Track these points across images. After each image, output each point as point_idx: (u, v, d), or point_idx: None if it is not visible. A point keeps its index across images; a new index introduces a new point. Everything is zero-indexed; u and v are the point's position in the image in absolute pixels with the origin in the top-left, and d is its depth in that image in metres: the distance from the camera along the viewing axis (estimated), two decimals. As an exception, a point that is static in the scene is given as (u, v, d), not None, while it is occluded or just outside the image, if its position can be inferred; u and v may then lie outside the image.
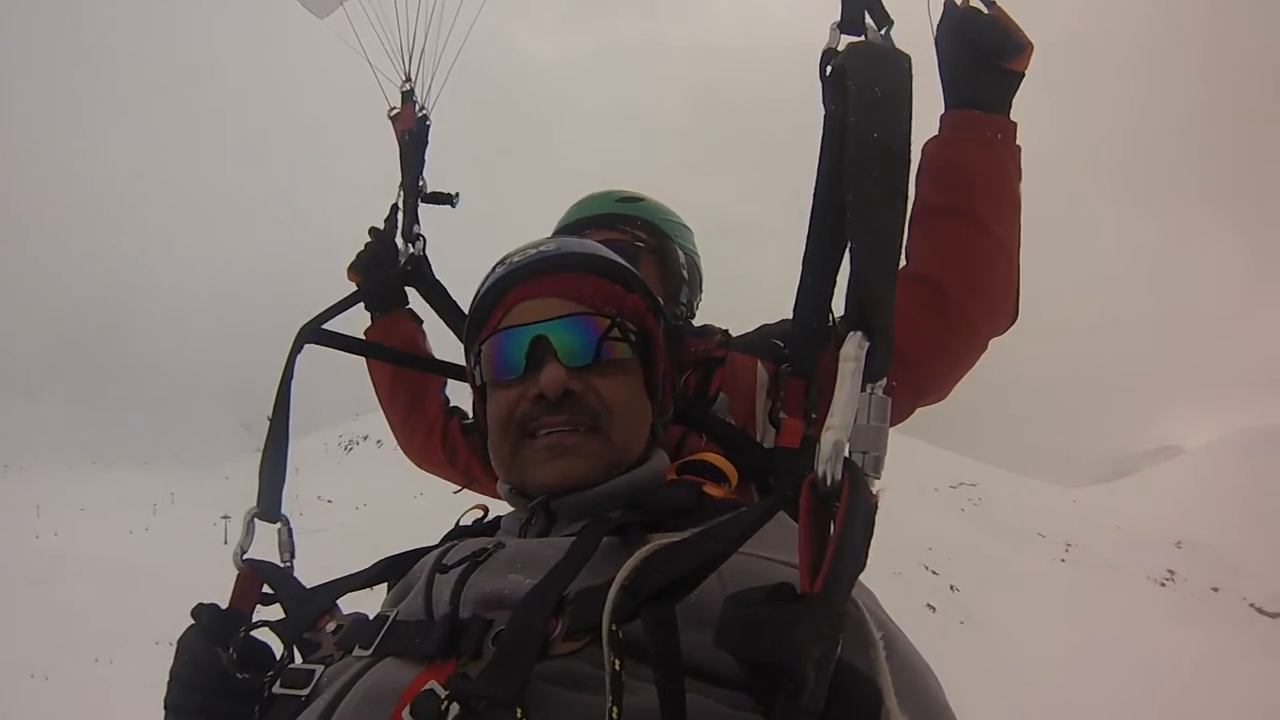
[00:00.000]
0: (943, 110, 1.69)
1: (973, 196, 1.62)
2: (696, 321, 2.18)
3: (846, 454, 0.72)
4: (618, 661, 0.75)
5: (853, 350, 0.76)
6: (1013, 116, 1.68)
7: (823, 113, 1.17)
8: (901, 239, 0.86)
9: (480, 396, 1.37)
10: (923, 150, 1.71)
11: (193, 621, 1.33)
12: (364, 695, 0.93)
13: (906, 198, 0.87)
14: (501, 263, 1.36)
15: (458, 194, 2.27)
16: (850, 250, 0.82)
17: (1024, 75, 1.63)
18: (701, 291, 2.22)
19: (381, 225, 2.24)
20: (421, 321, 2.27)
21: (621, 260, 1.39)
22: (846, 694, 0.64)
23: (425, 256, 2.21)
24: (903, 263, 1.70)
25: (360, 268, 2.18)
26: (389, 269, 2.18)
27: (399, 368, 2.19)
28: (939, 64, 1.68)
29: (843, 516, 0.67)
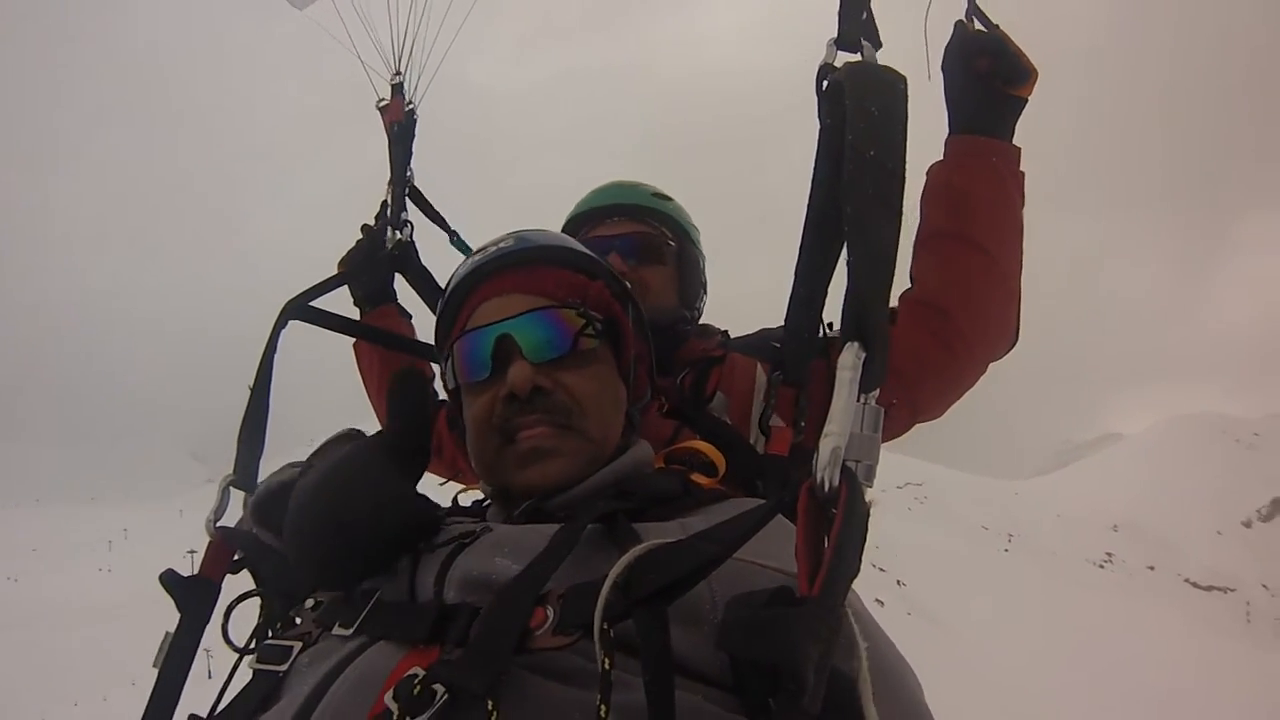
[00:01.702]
0: (947, 134, 1.71)
1: (977, 223, 1.63)
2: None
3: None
4: (608, 660, 0.75)
5: (850, 360, 0.77)
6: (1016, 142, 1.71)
7: (817, 126, 1.20)
8: (896, 253, 0.87)
9: (455, 399, 1.37)
10: (928, 174, 1.72)
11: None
12: (355, 679, 0.92)
13: (901, 214, 0.89)
14: (464, 264, 1.37)
15: (456, 233, 2.29)
16: (848, 263, 0.84)
17: (1028, 101, 1.67)
18: (706, 295, 2.22)
19: (372, 223, 2.25)
20: (410, 316, 2.25)
21: (583, 248, 1.38)
22: (833, 695, 0.65)
23: (413, 243, 2.22)
24: (907, 284, 1.76)
25: (350, 262, 2.17)
26: (378, 264, 2.18)
27: (387, 362, 2.18)
28: (945, 87, 1.70)
29: (840, 522, 0.68)
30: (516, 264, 1.30)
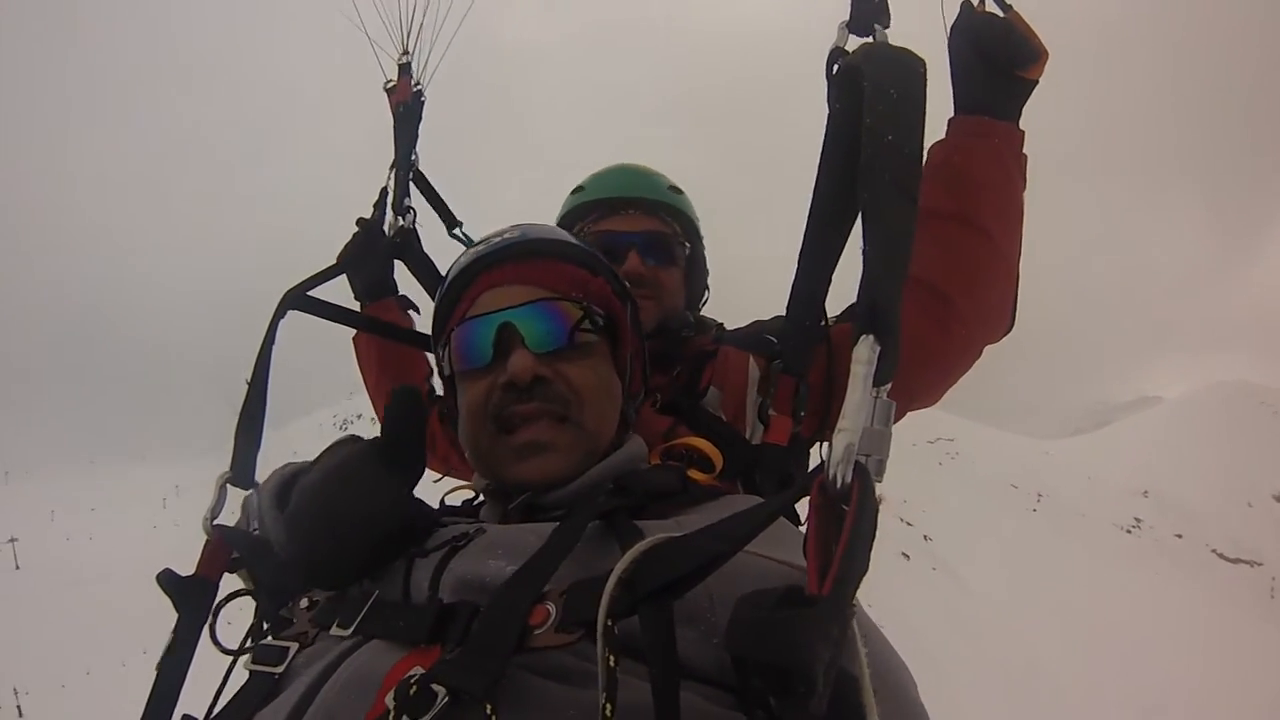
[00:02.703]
0: (951, 114, 1.68)
1: (978, 204, 1.61)
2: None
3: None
4: (613, 658, 0.74)
5: (865, 353, 0.75)
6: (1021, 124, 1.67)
7: (827, 110, 1.17)
8: (912, 242, 0.85)
9: (450, 387, 1.37)
10: (929, 153, 1.67)
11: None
12: (348, 679, 0.91)
13: (918, 201, 0.86)
14: (466, 253, 1.37)
15: (460, 225, 2.25)
16: (863, 252, 0.81)
17: (1037, 83, 1.63)
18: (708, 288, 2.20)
19: (369, 214, 2.19)
20: (412, 309, 2.21)
21: (585, 245, 1.38)
22: (836, 695, 0.65)
23: (415, 230, 2.18)
24: None
25: (347, 254, 2.11)
26: (376, 257, 2.14)
27: (384, 356, 2.18)
28: (951, 66, 1.67)
29: (852, 519, 0.67)
30: (519, 255, 1.30)
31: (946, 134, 1.68)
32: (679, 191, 2.03)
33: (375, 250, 2.15)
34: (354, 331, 2.21)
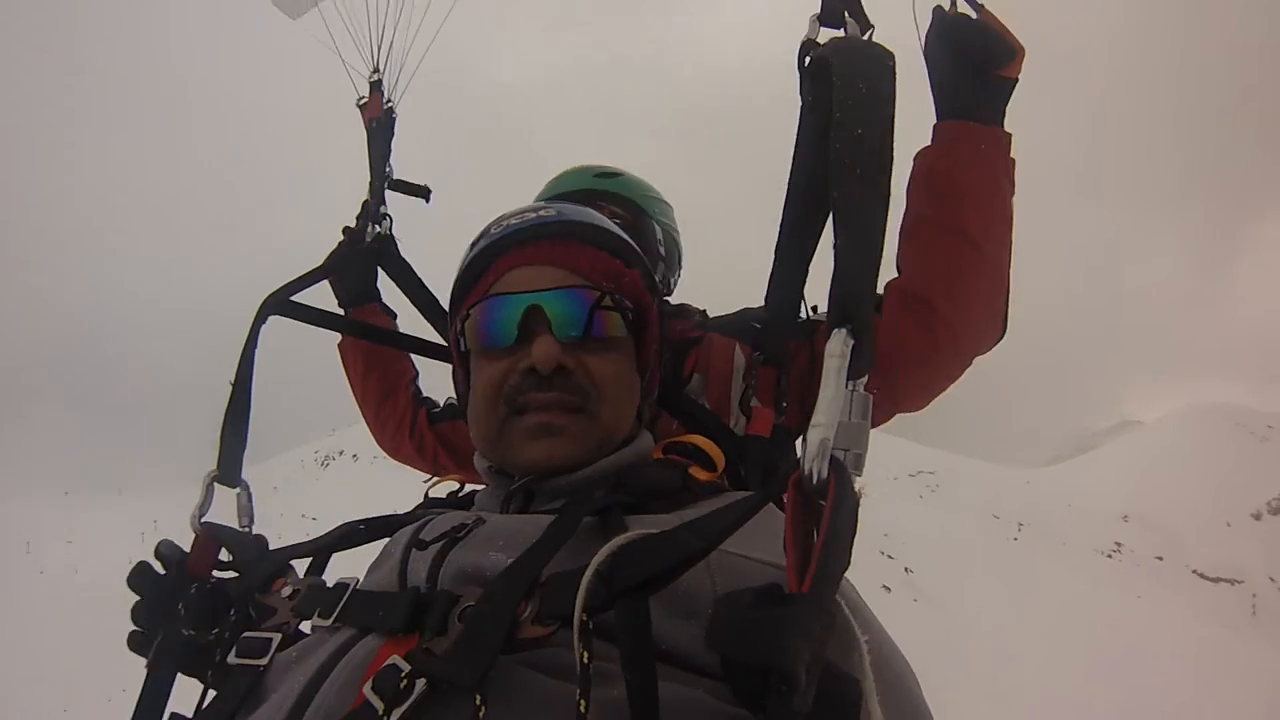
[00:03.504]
0: (935, 121, 1.65)
1: (964, 212, 1.57)
2: (674, 300, 2.15)
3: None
4: (586, 654, 0.73)
5: (838, 347, 0.75)
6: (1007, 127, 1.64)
7: (799, 103, 1.15)
8: (884, 236, 0.84)
9: (463, 364, 1.33)
10: (914, 160, 1.66)
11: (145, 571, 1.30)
12: (347, 676, 0.91)
13: (889, 195, 0.86)
14: (497, 224, 1.31)
15: (428, 190, 2.28)
16: (834, 246, 0.82)
17: (1016, 81, 1.59)
18: (680, 269, 2.15)
19: (353, 224, 2.23)
20: (395, 315, 2.24)
21: (623, 234, 1.34)
22: (830, 693, 0.65)
23: (392, 236, 2.20)
24: (893, 274, 1.70)
25: (331, 261, 2.12)
26: (360, 263, 2.17)
27: (371, 361, 2.19)
28: (929, 73, 1.64)
29: (829, 515, 0.67)
30: (554, 235, 1.26)
31: (932, 141, 1.66)
32: (612, 174, 2.09)
33: (359, 256, 2.18)
34: (336, 339, 2.28)
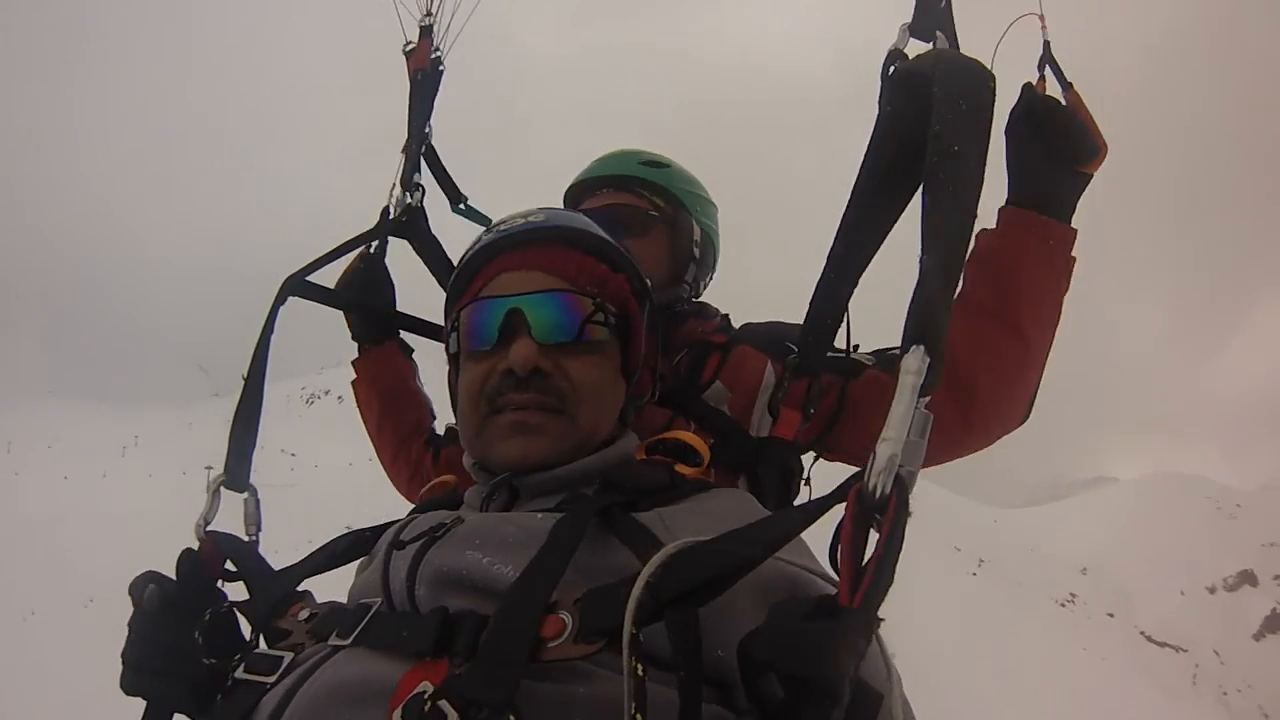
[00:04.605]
0: (1005, 202, 1.62)
1: (1020, 307, 1.57)
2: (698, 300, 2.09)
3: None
4: (640, 667, 0.72)
5: (914, 364, 0.74)
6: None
7: (877, 112, 1.13)
8: (965, 256, 0.84)
9: (454, 365, 1.33)
10: (977, 239, 1.62)
11: (160, 580, 1.23)
12: (334, 688, 0.89)
13: (975, 217, 0.85)
14: (489, 230, 1.33)
15: (466, 199, 2.16)
16: (920, 261, 0.80)
17: (1092, 177, 1.57)
18: (714, 272, 2.07)
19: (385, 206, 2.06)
20: (412, 352, 2.14)
21: (609, 239, 1.34)
22: (855, 705, 0.66)
23: (423, 209, 2.07)
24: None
25: (347, 287, 1.99)
26: (377, 292, 2.03)
27: (386, 407, 2.09)
28: (1007, 150, 1.60)
29: (888, 531, 0.67)
30: (541, 240, 1.27)
31: (999, 224, 1.62)
32: (659, 165, 1.97)
33: (377, 286, 2.04)
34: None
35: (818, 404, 1.59)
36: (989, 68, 0.99)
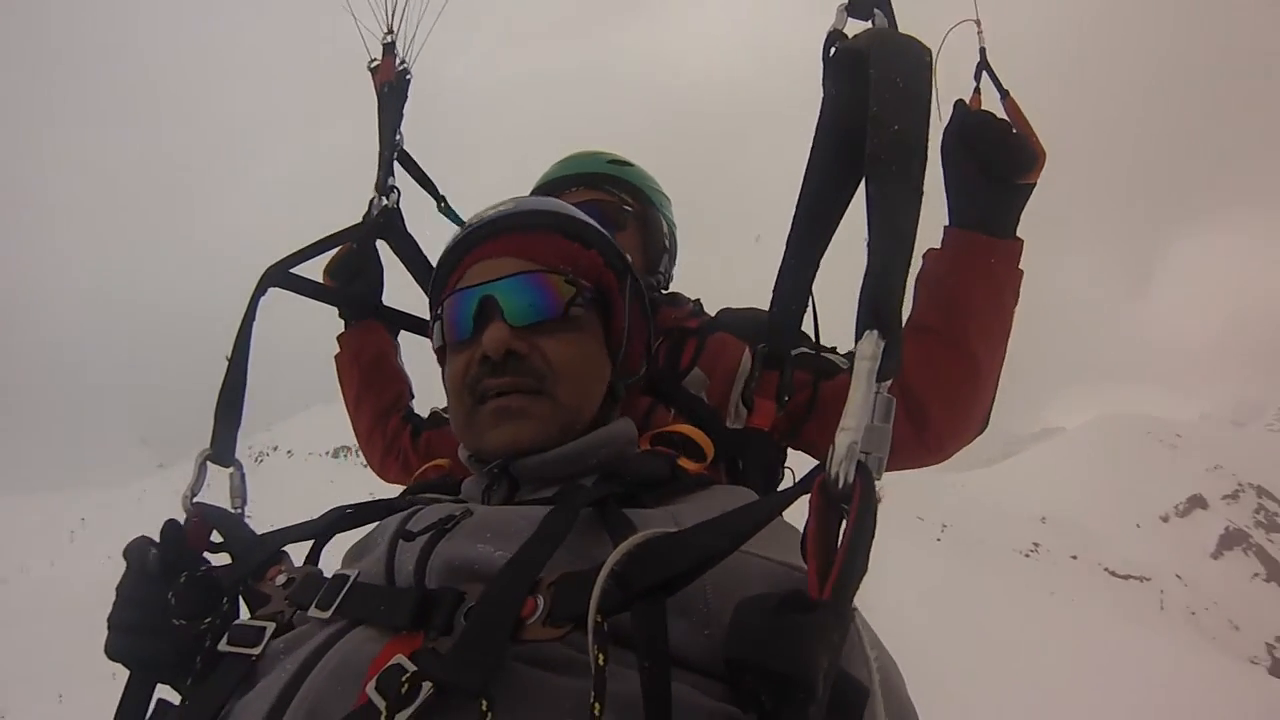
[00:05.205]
0: (946, 223, 1.61)
1: (967, 328, 1.58)
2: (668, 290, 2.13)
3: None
4: (602, 655, 0.71)
5: (869, 349, 0.73)
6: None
7: (822, 95, 1.13)
8: (915, 235, 0.81)
9: (442, 359, 1.35)
10: (923, 259, 1.64)
11: (149, 544, 1.23)
12: (335, 667, 0.87)
13: (922, 194, 0.83)
14: (465, 224, 1.34)
15: (445, 199, 2.22)
16: (867, 245, 0.79)
17: (1035, 185, 1.56)
18: (675, 262, 2.14)
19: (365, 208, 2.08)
20: (399, 333, 2.17)
21: (581, 215, 1.35)
22: (838, 697, 0.65)
23: (398, 209, 2.12)
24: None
25: (337, 273, 2.04)
26: (366, 278, 2.07)
27: (367, 382, 2.13)
28: (944, 171, 1.59)
29: (854, 520, 0.66)
30: (512, 228, 1.28)
31: (943, 245, 1.63)
32: (625, 164, 2.05)
33: (367, 270, 2.08)
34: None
35: (791, 394, 1.58)
36: (925, 43, 0.98)
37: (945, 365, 1.60)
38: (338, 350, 2.17)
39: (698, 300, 2.02)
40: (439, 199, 2.23)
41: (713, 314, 1.96)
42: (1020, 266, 1.61)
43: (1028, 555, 46.57)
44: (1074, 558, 48.37)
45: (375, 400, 2.14)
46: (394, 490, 1.55)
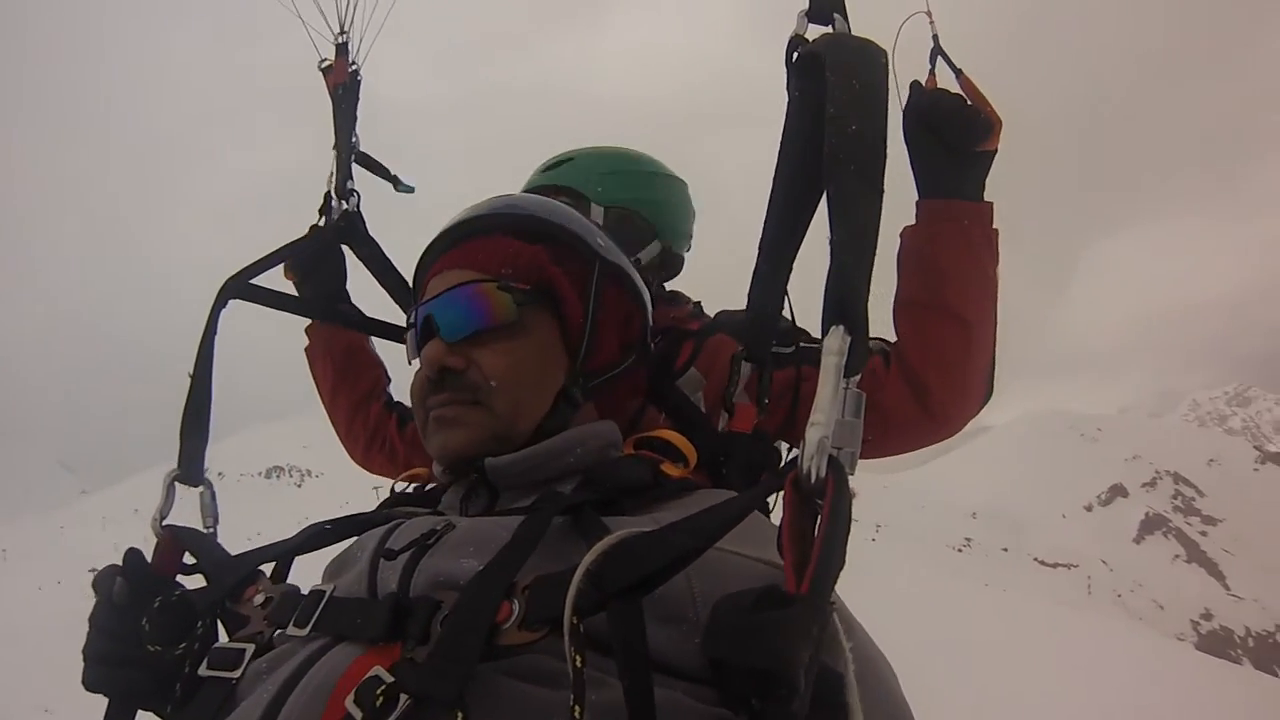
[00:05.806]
0: (917, 198, 1.65)
1: (949, 292, 1.60)
2: (673, 285, 2.08)
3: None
4: (579, 658, 0.71)
5: (835, 344, 0.73)
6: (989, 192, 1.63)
7: (787, 99, 1.14)
8: (878, 231, 0.82)
9: None
10: (900, 237, 1.67)
11: (124, 574, 1.20)
12: (317, 686, 0.86)
13: (883, 191, 0.84)
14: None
15: (399, 179, 2.19)
16: (830, 243, 0.80)
17: (996, 151, 1.61)
18: (672, 240, 2.03)
19: (319, 221, 2.03)
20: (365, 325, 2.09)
21: (530, 209, 1.32)
22: (819, 692, 0.65)
23: (359, 213, 2.07)
24: (893, 337, 1.70)
25: (298, 268, 2.00)
26: (329, 267, 2.02)
27: (342, 372, 2.09)
28: (908, 150, 1.64)
29: (828, 515, 0.66)
30: (468, 234, 1.28)
31: (916, 219, 1.65)
32: (559, 163, 2.00)
33: (329, 261, 2.01)
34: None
35: (769, 394, 1.58)
36: (881, 45, 1.00)
37: (936, 332, 1.63)
38: (306, 342, 2.13)
39: (698, 303, 1.99)
40: (394, 181, 2.17)
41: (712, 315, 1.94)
42: (995, 227, 1.64)
43: (960, 550, 47.64)
44: (1005, 550, 49.65)
45: (351, 389, 2.10)
46: (365, 504, 1.53)
